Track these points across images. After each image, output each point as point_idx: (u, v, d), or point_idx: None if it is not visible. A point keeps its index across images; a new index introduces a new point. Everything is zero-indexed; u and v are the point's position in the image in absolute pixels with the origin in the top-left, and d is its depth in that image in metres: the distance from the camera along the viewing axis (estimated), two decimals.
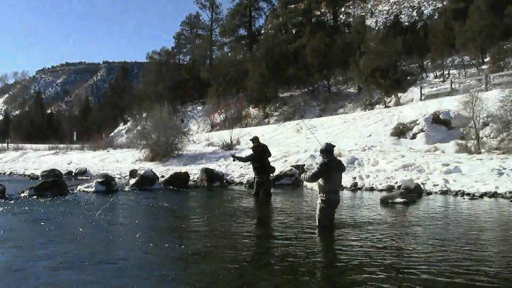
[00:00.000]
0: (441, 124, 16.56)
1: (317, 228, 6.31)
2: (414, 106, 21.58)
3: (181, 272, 4.50)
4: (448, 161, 12.03)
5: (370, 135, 18.54)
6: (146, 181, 11.96)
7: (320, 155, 6.56)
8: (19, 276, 4.31)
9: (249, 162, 11.18)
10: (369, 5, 55.74)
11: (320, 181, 6.32)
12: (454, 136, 15.68)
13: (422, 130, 16.47)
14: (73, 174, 17.00)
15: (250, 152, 10.65)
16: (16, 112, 78.96)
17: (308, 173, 6.47)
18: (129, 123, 52.36)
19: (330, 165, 6.30)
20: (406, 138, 16.78)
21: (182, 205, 9.58)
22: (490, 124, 14.75)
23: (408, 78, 27.27)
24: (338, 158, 7.21)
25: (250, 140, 11.34)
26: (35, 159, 26.70)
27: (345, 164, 13.03)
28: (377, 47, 27.44)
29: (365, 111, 27.24)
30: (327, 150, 6.40)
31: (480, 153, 13.25)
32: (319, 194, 6.38)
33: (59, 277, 4.28)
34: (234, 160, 11.57)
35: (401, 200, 8.53)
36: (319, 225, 6.35)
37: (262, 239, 6.16)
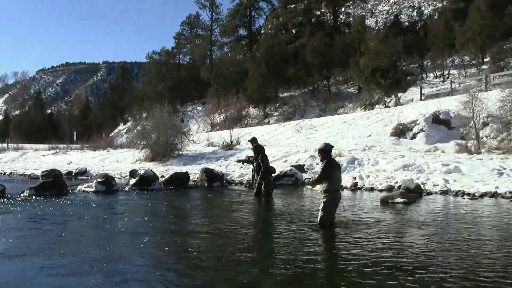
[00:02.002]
0: (441, 124, 16.56)
1: (318, 227, 6.32)
2: (414, 106, 21.57)
3: (181, 273, 4.50)
4: (448, 161, 12.02)
5: (370, 135, 18.53)
6: (146, 181, 11.95)
7: (318, 155, 6.57)
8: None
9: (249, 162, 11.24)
10: (369, 5, 55.75)
11: (324, 181, 6.33)
12: (454, 136, 15.67)
13: (422, 130, 16.47)
14: (73, 174, 17.01)
15: (251, 152, 10.67)
16: (16, 112, 78.75)
17: (313, 177, 6.50)
18: (129, 123, 52.37)
19: (333, 166, 6.31)
20: (406, 138, 16.77)
21: (182, 206, 9.58)
22: (490, 124, 14.74)
23: (408, 78, 27.28)
24: (338, 158, 7.23)
25: (249, 141, 11.35)
26: (35, 159, 26.71)
27: (345, 164, 13.20)
28: (377, 47, 27.45)
29: (365, 111, 27.23)
30: (326, 150, 6.40)
31: (480, 153, 13.24)
32: (322, 194, 6.38)
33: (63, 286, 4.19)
34: (243, 164, 11.59)
35: (401, 200, 8.53)
36: (320, 224, 6.35)
37: (262, 239, 6.17)
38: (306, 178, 6.75)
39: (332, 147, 6.57)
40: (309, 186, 11.22)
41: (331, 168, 6.26)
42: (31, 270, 4.57)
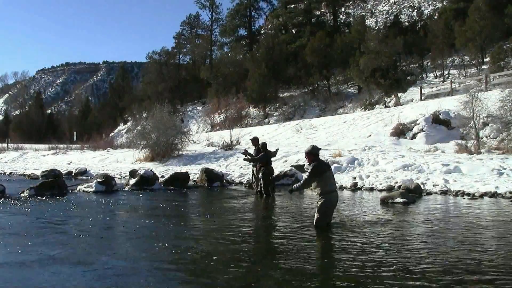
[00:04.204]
0: (441, 124, 16.56)
1: (314, 228, 6.31)
2: (414, 106, 21.58)
3: (181, 273, 4.50)
4: (448, 161, 12.02)
5: (370, 135, 18.53)
6: (146, 181, 11.94)
7: (305, 158, 6.52)
8: None
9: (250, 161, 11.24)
10: (369, 5, 55.75)
11: (316, 184, 6.33)
12: (454, 136, 15.67)
13: (422, 130, 16.47)
14: (73, 174, 16.99)
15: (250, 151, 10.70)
16: (16, 112, 78.66)
17: (299, 183, 6.47)
18: (129, 123, 52.37)
19: (321, 167, 6.29)
20: (406, 138, 16.77)
21: (182, 206, 9.58)
22: (490, 124, 14.75)
23: (408, 78, 27.29)
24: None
25: (251, 140, 11.33)
26: (35, 159, 26.72)
27: (345, 164, 13.20)
28: (377, 47, 27.46)
29: (365, 111, 27.24)
30: (313, 153, 6.38)
31: (480, 153, 13.24)
32: (318, 197, 6.38)
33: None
34: (246, 155, 11.44)
35: (401, 200, 8.52)
36: (316, 226, 6.34)
37: (262, 239, 6.17)
38: (293, 186, 6.67)
39: (319, 149, 6.52)
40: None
41: (318, 171, 6.23)
42: (49, 282, 4.25)
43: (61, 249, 5.27)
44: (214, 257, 4.95)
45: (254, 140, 11.15)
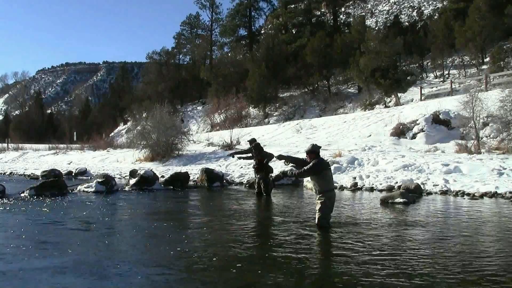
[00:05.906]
0: (441, 124, 16.56)
1: (317, 228, 6.32)
2: (414, 106, 21.58)
3: (180, 272, 4.50)
4: (448, 161, 12.01)
5: (370, 135, 18.53)
6: (146, 181, 11.93)
7: (306, 157, 6.56)
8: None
9: (251, 161, 11.26)
10: (369, 5, 55.80)
11: (316, 182, 6.36)
12: (454, 136, 15.67)
13: (422, 130, 16.47)
14: (73, 174, 17.00)
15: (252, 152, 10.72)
16: (16, 112, 78.80)
17: (297, 170, 6.48)
18: (129, 123, 52.36)
19: (322, 165, 6.32)
20: (406, 138, 16.77)
21: (182, 206, 9.58)
22: (490, 124, 14.75)
23: (408, 78, 27.31)
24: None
25: (248, 141, 11.35)
26: (35, 159, 26.72)
27: (345, 164, 13.20)
28: (377, 47, 27.47)
29: (365, 111, 27.24)
30: (314, 151, 6.41)
31: (480, 153, 13.24)
32: (318, 194, 6.40)
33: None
34: (234, 156, 11.52)
35: (401, 200, 8.52)
36: (319, 225, 6.35)
37: (262, 239, 6.16)
38: (290, 170, 6.71)
39: (320, 147, 6.57)
40: (308, 186, 11.23)
41: (318, 168, 6.27)
42: (22, 271, 4.37)
43: (66, 254, 5.17)
44: (213, 257, 4.95)
45: (252, 142, 11.18)
